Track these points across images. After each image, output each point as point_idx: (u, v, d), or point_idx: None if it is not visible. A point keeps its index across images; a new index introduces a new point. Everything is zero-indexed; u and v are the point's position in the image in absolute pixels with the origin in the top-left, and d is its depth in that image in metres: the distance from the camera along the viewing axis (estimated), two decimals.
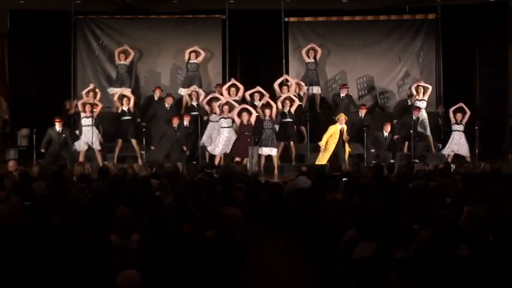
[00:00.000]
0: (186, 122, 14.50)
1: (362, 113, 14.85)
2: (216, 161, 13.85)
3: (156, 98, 15.57)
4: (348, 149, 13.97)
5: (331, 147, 13.90)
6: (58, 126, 14.01)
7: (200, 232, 5.97)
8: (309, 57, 15.82)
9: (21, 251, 5.34)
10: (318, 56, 15.92)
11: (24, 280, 4.83)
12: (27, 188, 8.26)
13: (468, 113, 14.43)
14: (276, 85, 15.16)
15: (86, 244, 5.56)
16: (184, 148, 14.24)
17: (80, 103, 14.41)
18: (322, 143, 13.99)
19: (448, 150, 14.35)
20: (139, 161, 14.01)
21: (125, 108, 14.67)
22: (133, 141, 14.54)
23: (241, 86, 14.98)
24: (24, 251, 5.34)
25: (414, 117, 14.57)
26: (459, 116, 14.38)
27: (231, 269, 5.60)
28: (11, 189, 8.26)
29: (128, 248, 5.67)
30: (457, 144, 14.29)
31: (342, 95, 15.49)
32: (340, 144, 13.90)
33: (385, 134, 14.39)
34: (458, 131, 14.33)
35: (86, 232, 5.86)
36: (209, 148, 14.28)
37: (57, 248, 5.43)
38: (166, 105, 15.17)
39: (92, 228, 6.06)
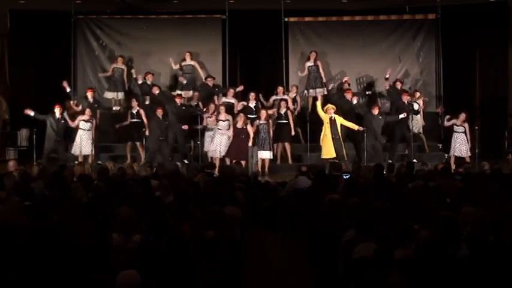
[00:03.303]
0: (178, 102, 14.49)
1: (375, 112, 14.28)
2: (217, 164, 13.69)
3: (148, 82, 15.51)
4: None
5: (328, 135, 13.75)
6: (58, 114, 13.99)
7: (200, 232, 5.97)
8: (309, 59, 15.74)
9: (21, 251, 5.34)
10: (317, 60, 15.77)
11: (24, 280, 4.83)
12: (27, 188, 8.28)
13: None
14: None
15: (86, 244, 5.56)
16: (186, 127, 14.20)
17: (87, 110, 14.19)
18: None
19: (451, 151, 14.25)
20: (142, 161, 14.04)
21: (134, 111, 14.64)
22: (137, 143, 14.56)
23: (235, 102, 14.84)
24: (24, 251, 5.34)
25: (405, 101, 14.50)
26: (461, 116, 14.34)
27: (231, 269, 5.59)
28: (11, 189, 8.27)
29: (128, 248, 5.66)
30: (459, 145, 14.16)
31: (355, 102, 14.55)
32: (337, 137, 13.75)
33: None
34: (459, 132, 14.21)
35: (86, 232, 5.86)
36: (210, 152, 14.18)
37: (57, 247, 5.43)
38: (154, 92, 15.06)
39: (92, 228, 6.06)
